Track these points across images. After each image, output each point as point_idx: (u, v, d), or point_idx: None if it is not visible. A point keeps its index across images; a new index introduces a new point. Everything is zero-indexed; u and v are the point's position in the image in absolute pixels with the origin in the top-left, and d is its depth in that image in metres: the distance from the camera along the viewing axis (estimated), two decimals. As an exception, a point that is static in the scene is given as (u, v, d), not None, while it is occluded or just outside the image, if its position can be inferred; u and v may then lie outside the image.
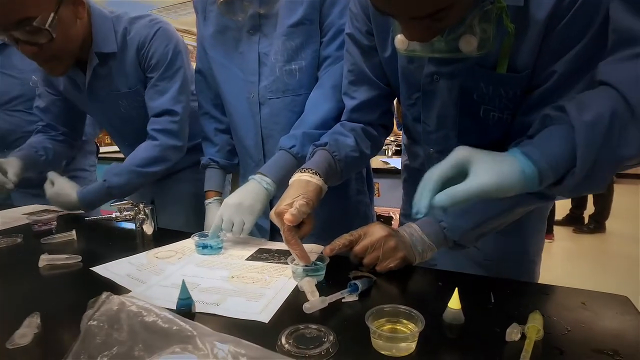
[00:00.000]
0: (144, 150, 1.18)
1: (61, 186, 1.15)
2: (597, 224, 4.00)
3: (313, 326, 0.51)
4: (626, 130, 0.52)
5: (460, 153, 0.56)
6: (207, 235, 0.87)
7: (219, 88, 1.12)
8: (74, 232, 0.97)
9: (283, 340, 0.49)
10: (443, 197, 0.53)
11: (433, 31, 0.61)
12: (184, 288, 0.55)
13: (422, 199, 0.54)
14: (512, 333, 0.51)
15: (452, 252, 0.81)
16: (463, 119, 0.78)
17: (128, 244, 0.93)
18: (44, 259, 0.80)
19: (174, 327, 0.36)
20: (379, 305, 0.53)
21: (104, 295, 0.42)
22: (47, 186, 1.16)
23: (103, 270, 0.76)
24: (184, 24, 8.48)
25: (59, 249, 0.91)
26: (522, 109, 0.72)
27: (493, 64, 0.69)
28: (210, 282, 0.69)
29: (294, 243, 0.70)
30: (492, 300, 0.61)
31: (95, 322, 0.39)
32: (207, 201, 1.14)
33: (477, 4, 0.61)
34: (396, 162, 2.41)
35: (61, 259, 0.80)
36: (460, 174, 0.55)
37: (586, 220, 4.11)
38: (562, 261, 3.31)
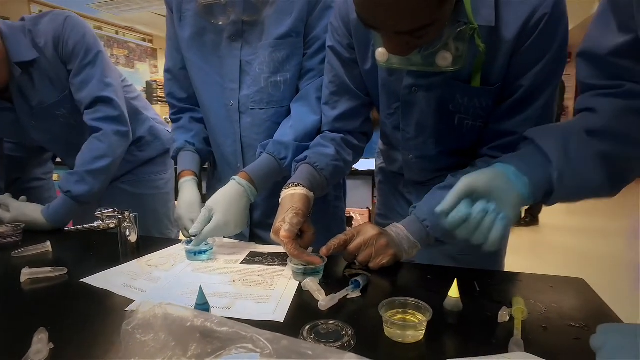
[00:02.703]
0: (90, 145, 1.13)
1: (20, 211, 1.08)
2: (532, 218, 4.41)
3: (331, 322, 0.55)
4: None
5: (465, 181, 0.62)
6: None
7: (195, 90, 1.11)
8: (48, 243, 0.92)
9: (305, 335, 0.52)
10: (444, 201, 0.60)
11: (412, 46, 0.68)
12: (201, 294, 0.57)
13: (447, 201, 0.61)
14: (503, 315, 0.58)
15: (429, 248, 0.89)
16: (440, 127, 0.85)
17: (110, 253, 0.90)
18: (26, 273, 0.75)
19: (228, 329, 0.38)
20: (389, 298, 0.58)
21: (141, 303, 0.43)
22: (1, 213, 1.08)
23: (95, 280, 0.74)
24: (126, 20, 8.05)
25: (34, 261, 0.86)
26: (493, 117, 0.81)
27: (467, 78, 0.77)
28: (214, 287, 0.71)
29: (298, 255, 0.73)
30: (477, 289, 0.69)
31: (140, 330, 0.40)
32: (182, 180, 1.04)
33: (453, 24, 0.68)
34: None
35: (46, 271, 0.77)
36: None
37: (522, 214, 4.51)
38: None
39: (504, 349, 0.51)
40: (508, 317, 0.58)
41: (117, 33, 8.40)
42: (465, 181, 0.60)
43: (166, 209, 1.56)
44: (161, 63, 9.69)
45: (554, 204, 0.66)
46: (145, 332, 0.40)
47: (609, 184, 0.63)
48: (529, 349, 0.51)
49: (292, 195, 0.81)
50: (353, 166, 1.11)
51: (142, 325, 0.40)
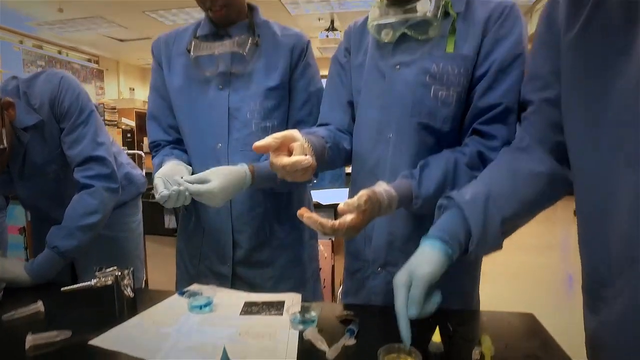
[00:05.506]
0: (81, 201, 1.16)
1: (0, 266, 1.05)
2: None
3: (340, 370, 0.65)
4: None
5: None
6: (194, 294, 0.94)
7: (182, 133, 1.19)
8: (40, 303, 0.93)
9: (320, 386, 0.62)
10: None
11: None
12: (224, 355, 0.64)
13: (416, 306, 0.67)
14: (475, 354, 0.71)
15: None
16: (416, 98, 0.93)
17: (107, 309, 0.92)
18: (30, 340, 0.76)
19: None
20: (385, 345, 0.69)
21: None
22: None
23: (105, 342, 0.78)
24: (70, 40, 7.72)
25: (28, 324, 0.86)
26: (477, 94, 0.90)
27: (444, 47, 0.90)
28: (223, 341, 0.77)
29: (281, 160, 0.75)
30: (451, 329, 0.82)
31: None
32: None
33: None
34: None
35: (51, 336, 0.78)
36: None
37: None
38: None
39: (479, 383, 0.64)
40: (479, 355, 0.72)
41: (59, 52, 8.00)
42: (423, 280, 0.67)
43: (138, 251, 1.58)
44: (108, 84, 9.30)
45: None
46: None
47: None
48: (498, 381, 0.64)
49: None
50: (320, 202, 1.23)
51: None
